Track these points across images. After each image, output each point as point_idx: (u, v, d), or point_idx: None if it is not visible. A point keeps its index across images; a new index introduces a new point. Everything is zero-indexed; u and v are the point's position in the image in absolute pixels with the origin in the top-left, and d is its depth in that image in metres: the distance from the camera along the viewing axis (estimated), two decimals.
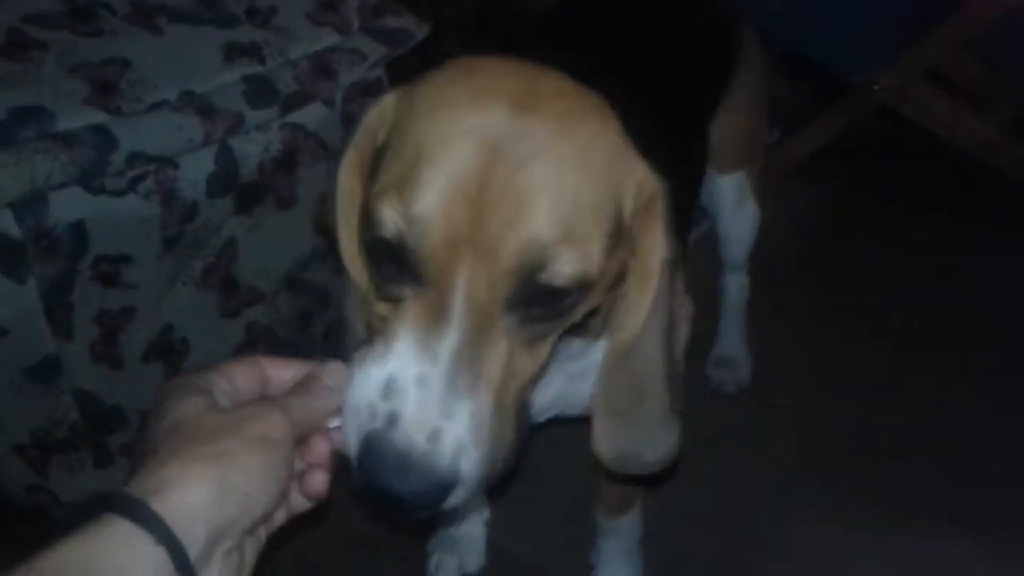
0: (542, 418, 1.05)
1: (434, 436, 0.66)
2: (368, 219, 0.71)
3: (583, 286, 0.71)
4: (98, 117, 1.25)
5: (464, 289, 0.68)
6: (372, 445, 0.68)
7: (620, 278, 0.80)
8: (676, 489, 1.49)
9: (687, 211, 1.25)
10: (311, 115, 1.49)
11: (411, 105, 0.74)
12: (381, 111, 0.78)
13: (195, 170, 1.38)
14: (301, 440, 0.72)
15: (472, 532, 1.40)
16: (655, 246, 0.78)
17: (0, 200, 1.19)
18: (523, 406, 0.75)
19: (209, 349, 1.51)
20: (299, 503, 0.74)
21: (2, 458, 1.36)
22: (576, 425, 1.16)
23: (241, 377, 0.73)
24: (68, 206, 1.26)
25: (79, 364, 1.35)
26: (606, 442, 0.87)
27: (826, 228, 2.21)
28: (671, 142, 1.15)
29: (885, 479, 1.52)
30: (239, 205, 1.47)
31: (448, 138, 0.68)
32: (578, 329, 0.80)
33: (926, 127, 2.05)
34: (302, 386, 0.73)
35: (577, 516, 1.40)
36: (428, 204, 0.67)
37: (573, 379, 0.98)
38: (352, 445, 0.69)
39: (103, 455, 1.42)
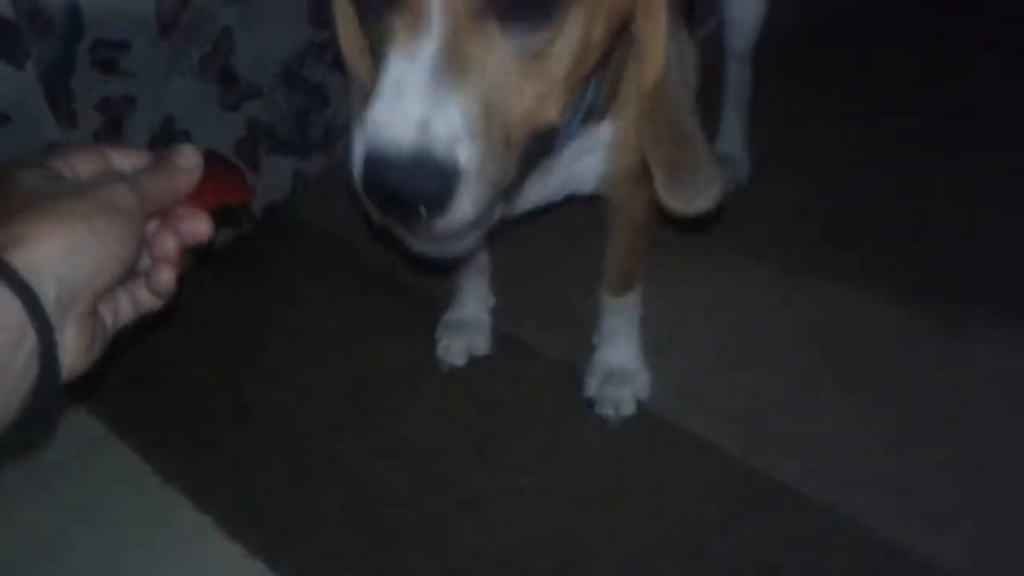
0: (554, 198, 1.07)
1: (422, 126, 0.65)
2: None
3: None
4: None
5: None
6: (366, 158, 0.67)
7: (622, 40, 0.81)
8: (672, 273, 1.54)
9: None
10: None
11: None
12: None
13: None
14: (153, 222, 0.73)
15: (478, 316, 1.44)
16: None
17: None
18: (534, 143, 0.75)
19: (211, 142, 1.49)
20: (147, 300, 0.74)
21: None
22: (577, 209, 1.18)
23: (81, 162, 0.71)
24: None
25: None
26: (670, 189, 0.88)
27: (834, 20, 2.15)
28: None
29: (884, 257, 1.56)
30: None
31: None
32: (586, 85, 0.80)
33: None
34: (154, 165, 0.73)
35: (580, 301, 1.44)
36: None
37: (581, 155, 0.99)
38: (356, 168, 0.69)
39: None
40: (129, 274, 0.70)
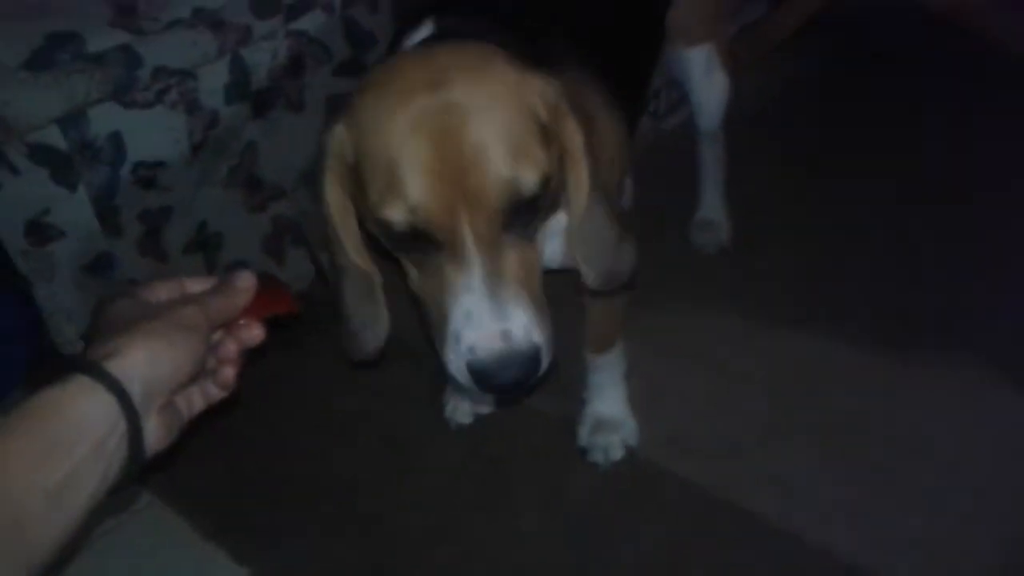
0: None
1: (506, 336, 0.90)
2: (377, 224, 0.93)
3: (545, 183, 0.92)
4: (123, 38, 1.41)
5: (471, 235, 0.89)
6: (474, 372, 0.92)
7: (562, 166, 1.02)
8: (656, 331, 1.69)
9: (640, 91, 1.48)
10: (312, 22, 1.63)
11: (360, 129, 0.93)
12: (339, 141, 0.95)
13: (212, 80, 1.55)
14: (218, 332, 0.91)
15: None
16: (572, 134, 0.98)
17: (47, 117, 1.36)
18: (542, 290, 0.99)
19: (241, 241, 1.70)
20: (214, 393, 0.93)
21: (69, 345, 1.57)
22: (558, 280, 1.34)
23: (162, 290, 0.91)
24: (105, 119, 1.43)
25: (129, 258, 1.55)
26: (591, 274, 1.10)
27: (809, 98, 2.32)
28: (620, 36, 1.36)
29: (857, 314, 1.69)
30: (255, 110, 1.63)
31: (402, 141, 0.88)
32: (551, 211, 1.03)
33: None
34: (216, 287, 0.91)
35: (572, 363, 1.59)
36: (417, 196, 0.88)
37: (547, 239, 1.16)
38: (463, 378, 0.94)
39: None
40: (199, 374, 0.89)
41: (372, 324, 1.07)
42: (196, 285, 0.93)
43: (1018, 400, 1.50)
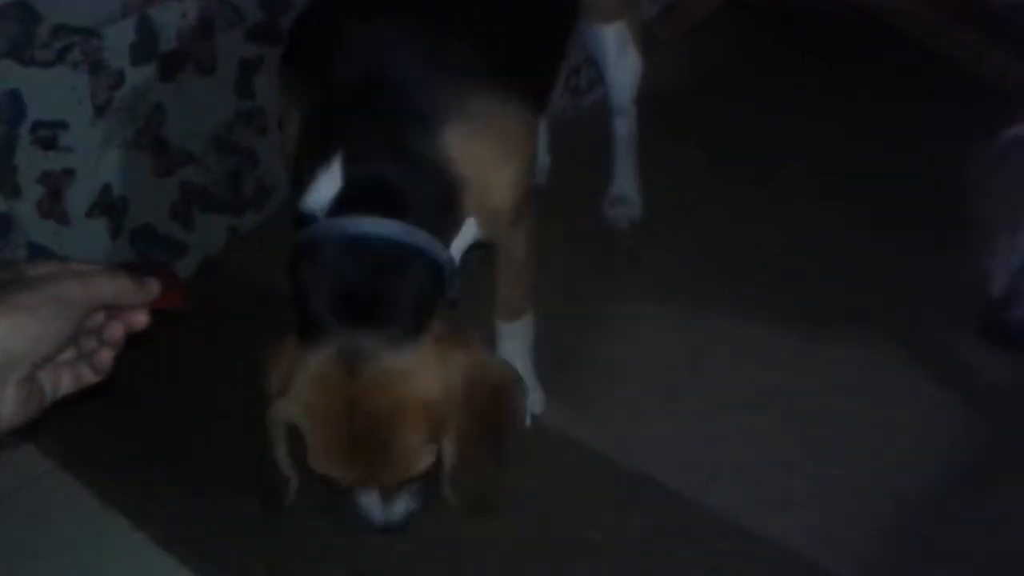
0: None
1: (389, 518, 1.26)
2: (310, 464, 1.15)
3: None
4: None
5: (373, 490, 1.22)
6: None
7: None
8: (568, 301, 1.71)
9: (552, 70, 1.53)
10: None
11: (296, 414, 1.12)
12: (281, 415, 1.15)
13: (118, 40, 1.52)
14: (99, 313, 0.88)
15: None
16: (463, 420, 1.16)
17: None
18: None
19: (147, 205, 1.68)
20: (87, 375, 0.90)
21: None
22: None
23: (44, 266, 0.86)
24: (3, 77, 1.40)
25: (29, 220, 1.51)
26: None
27: (729, 77, 2.36)
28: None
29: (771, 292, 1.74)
30: (163, 72, 1.61)
31: (326, 437, 1.11)
32: None
33: None
34: (112, 268, 0.88)
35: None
36: (333, 473, 1.15)
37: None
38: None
39: None
40: (66, 349, 0.85)
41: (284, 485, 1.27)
42: (85, 266, 0.89)
43: (919, 379, 1.57)
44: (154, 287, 0.90)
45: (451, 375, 1.12)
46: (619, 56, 1.73)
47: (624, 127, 1.88)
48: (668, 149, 2.02)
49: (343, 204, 1.11)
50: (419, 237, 1.11)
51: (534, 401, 1.53)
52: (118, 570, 1.36)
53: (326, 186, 1.12)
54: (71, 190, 1.55)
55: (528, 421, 1.51)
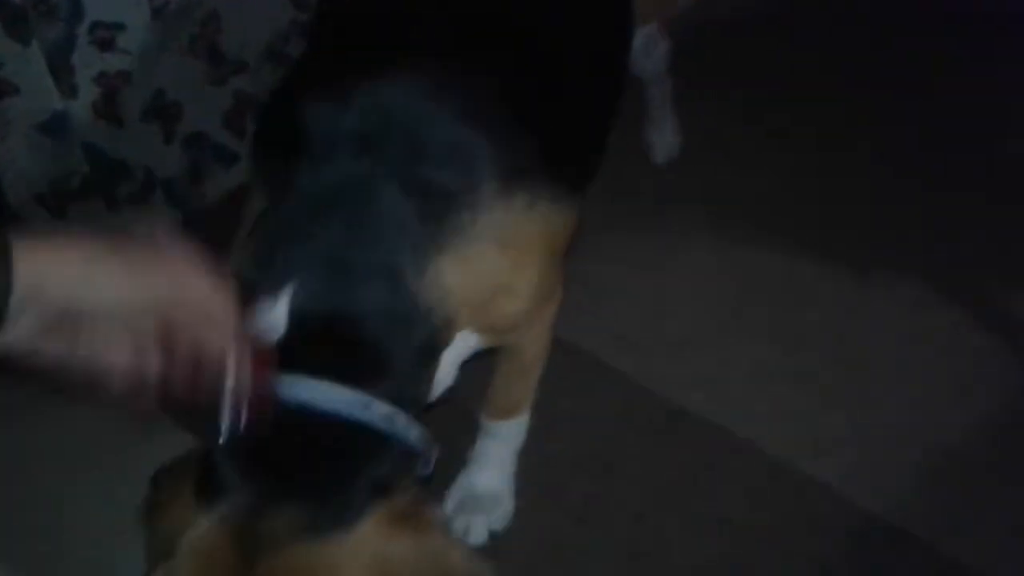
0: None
1: None
2: None
3: None
4: None
5: None
6: None
7: None
8: (611, 233, 1.69)
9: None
10: None
11: None
12: None
13: None
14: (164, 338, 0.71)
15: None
16: None
17: None
18: None
19: (201, 113, 1.68)
20: (109, 379, 0.71)
21: (25, 205, 1.56)
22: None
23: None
24: None
25: (85, 120, 1.53)
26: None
27: (770, 17, 2.27)
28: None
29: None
30: None
31: None
32: None
33: None
34: (224, 287, 0.73)
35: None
36: None
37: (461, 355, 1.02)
38: None
39: (112, 203, 1.63)
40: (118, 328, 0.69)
41: None
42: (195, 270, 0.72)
43: (957, 320, 1.54)
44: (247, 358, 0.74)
45: (391, 570, 0.76)
46: (647, 54, 1.61)
47: (659, 91, 1.77)
48: (707, 90, 1.94)
49: (284, 353, 0.81)
50: (379, 415, 0.81)
51: (499, 517, 1.30)
52: None
53: (267, 323, 0.84)
54: (126, 92, 1.56)
55: (483, 540, 1.27)
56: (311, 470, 0.78)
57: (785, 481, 1.33)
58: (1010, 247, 1.65)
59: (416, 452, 0.85)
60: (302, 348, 0.82)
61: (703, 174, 1.84)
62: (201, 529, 0.75)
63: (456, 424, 1.24)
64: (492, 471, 1.29)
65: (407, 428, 0.83)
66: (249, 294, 0.83)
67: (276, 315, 0.84)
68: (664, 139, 1.85)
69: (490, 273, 0.92)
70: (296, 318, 0.84)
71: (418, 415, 0.87)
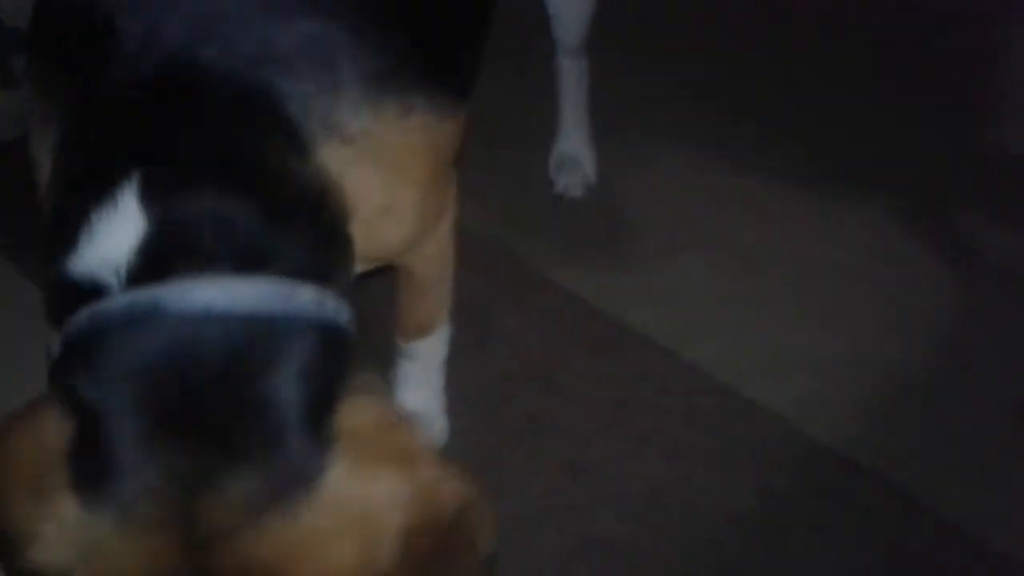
0: None
1: None
2: None
3: None
4: None
5: None
6: None
7: None
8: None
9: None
10: None
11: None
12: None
13: None
14: None
15: None
16: None
17: None
18: None
19: None
20: None
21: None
22: None
23: None
24: None
25: None
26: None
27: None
28: None
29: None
30: None
31: None
32: None
33: None
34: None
35: None
36: None
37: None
38: None
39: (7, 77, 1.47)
40: None
41: None
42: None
43: (918, 247, 1.50)
44: None
45: (378, 525, 0.59)
46: None
47: (573, 70, 1.51)
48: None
49: (153, 260, 0.62)
50: (304, 297, 0.64)
51: (436, 435, 1.20)
52: None
53: (113, 235, 0.63)
54: None
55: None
56: (243, 415, 0.58)
57: (732, 405, 1.27)
58: (973, 174, 1.60)
59: (353, 339, 0.67)
60: (177, 245, 0.63)
61: (673, 78, 1.76)
62: (94, 529, 0.56)
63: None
64: (418, 392, 1.18)
65: (338, 311, 0.66)
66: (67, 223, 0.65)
67: (123, 216, 0.63)
68: (578, 165, 1.59)
69: (364, 195, 0.74)
70: (155, 211, 0.63)
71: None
